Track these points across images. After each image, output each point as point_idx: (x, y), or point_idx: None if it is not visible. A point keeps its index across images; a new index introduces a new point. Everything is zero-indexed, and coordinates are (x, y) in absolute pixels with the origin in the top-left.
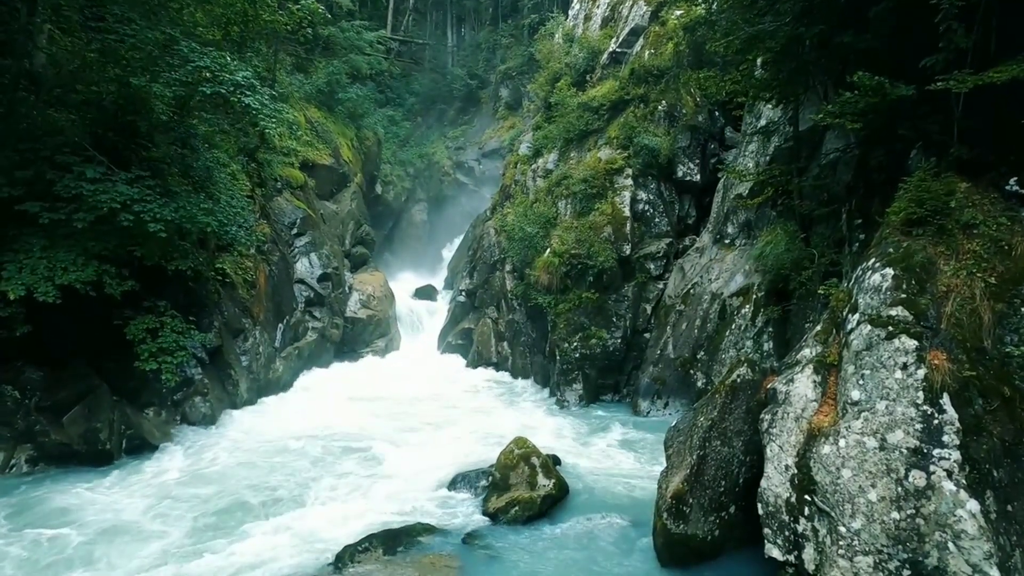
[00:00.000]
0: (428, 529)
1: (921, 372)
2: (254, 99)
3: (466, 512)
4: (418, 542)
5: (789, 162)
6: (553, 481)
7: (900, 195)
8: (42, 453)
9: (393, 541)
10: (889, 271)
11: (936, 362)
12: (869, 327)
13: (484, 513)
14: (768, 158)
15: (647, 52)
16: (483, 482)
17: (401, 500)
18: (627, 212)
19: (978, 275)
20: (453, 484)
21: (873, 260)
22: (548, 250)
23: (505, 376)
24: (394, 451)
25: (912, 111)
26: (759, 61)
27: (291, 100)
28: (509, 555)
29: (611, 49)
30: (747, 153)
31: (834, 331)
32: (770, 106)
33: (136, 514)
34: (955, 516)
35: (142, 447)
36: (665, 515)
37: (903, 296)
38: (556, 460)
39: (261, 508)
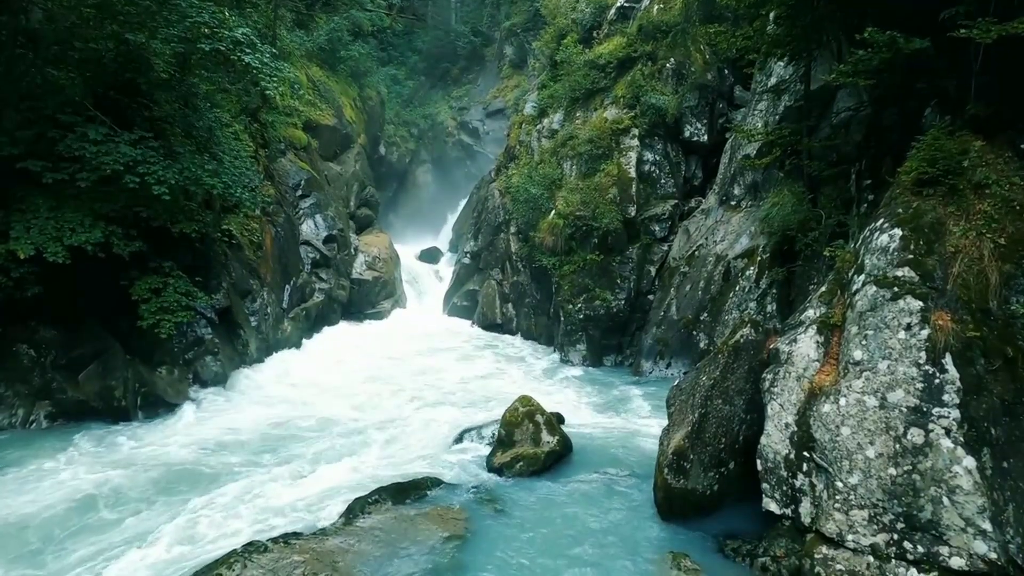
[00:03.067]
0: (435, 482)
1: (924, 332)
2: (254, 58)
3: (472, 467)
4: (426, 495)
5: (799, 121)
6: (557, 438)
7: (912, 154)
8: (60, 409)
9: (401, 494)
10: (897, 232)
11: (940, 322)
12: (875, 288)
13: (490, 468)
14: (778, 117)
15: (656, 6)
16: (489, 438)
17: (408, 455)
18: (633, 173)
19: (987, 236)
20: (459, 440)
21: (881, 220)
22: (553, 212)
23: (509, 337)
24: (400, 408)
25: (929, 67)
26: (772, 16)
27: (292, 58)
28: (514, 508)
29: (619, 4)
30: (756, 112)
31: (839, 292)
32: (782, 63)
33: (156, 468)
34: (951, 472)
35: (156, 404)
36: (666, 470)
37: (910, 257)
38: (560, 418)
39: (271, 462)
